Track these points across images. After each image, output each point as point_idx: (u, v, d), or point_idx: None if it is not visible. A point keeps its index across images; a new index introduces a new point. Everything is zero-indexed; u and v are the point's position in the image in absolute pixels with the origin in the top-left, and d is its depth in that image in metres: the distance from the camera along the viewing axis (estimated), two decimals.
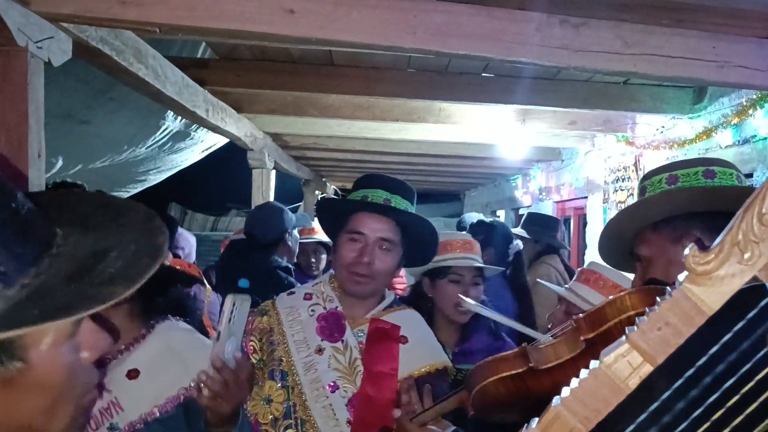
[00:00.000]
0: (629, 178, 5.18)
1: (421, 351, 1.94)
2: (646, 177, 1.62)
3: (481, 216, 4.78)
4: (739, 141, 3.84)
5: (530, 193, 8.16)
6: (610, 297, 1.33)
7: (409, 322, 1.98)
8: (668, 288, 0.73)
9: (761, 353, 0.75)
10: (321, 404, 1.79)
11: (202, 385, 1.40)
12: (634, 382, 0.72)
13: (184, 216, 14.10)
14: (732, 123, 3.82)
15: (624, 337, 0.73)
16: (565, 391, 0.74)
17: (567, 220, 7.38)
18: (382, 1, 2.30)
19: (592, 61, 2.47)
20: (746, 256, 0.69)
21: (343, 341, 1.86)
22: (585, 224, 6.38)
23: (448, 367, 1.96)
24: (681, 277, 0.72)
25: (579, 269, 2.64)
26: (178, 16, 2.24)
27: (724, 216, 1.47)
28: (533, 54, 2.41)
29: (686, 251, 0.71)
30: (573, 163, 6.59)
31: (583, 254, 6.36)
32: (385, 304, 1.97)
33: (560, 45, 2.41)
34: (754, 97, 3.56)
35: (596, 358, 1.31)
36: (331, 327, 1.88)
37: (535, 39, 2.38)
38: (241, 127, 5.08)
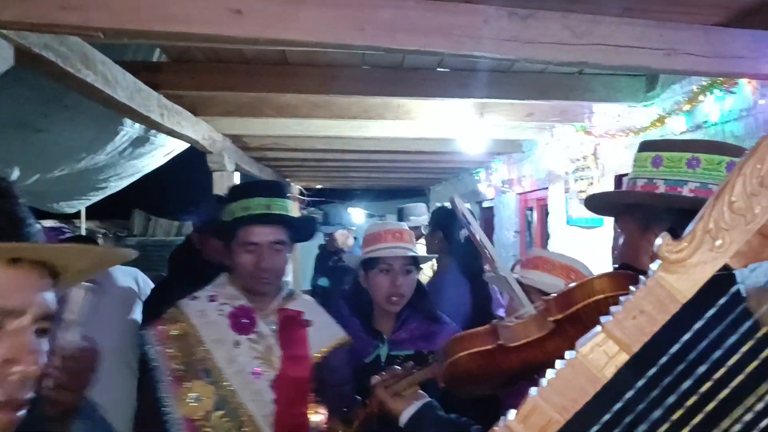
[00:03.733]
0: (589, 167, 5.24)
1: (325, 331, 2.20)
2: (639, 149, 1.62)
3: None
4: (692, 127, 3.90)
5: (493, 186, 8.21)
6: (581, 281, 1.36)
7: (309, 307, 2.22)
8: (641, 276, 0.74)
9: (731, 339, 0.76)
10: (249, 390, 1.99)
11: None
12: (610, 371, 0.73)
13: (148, 222, 13.88)
14: (684, 110, 3.88)
15: (599, 327, 0.73)
16: (543, 382, 0.74)
17: (530, 211, 7.44)
18: None
19: (542, 52, 2.48)
20: (718, 243, 0.70)
21: (256, 332, 2.08)
22: (547, 214, 6.44)
23: (346, 340, 2.22)
24: (654, 265, 0.72)
25: (523, 258, 2.66)
26: (122, 20, 2.18)
27: (690, 213, 1.48)
28: (483, 47, 2.41)
29: (658, 240, 0.72)
30: (533, 154, 6.64)
31: (546, 244, 6.42)
32: (284, 294, 2.22)
33: (509, 37, 2.42)
34: (704, 83, 3.62)
35: (564, 338, 1.33)
36: (243, 321, 2.08)
37: (484, 32, 2.38)
38: (199, 130, 5.01)
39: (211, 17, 2.20)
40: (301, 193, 12.05)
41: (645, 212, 1.51)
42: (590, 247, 5.15)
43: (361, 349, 2.37)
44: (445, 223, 4.16)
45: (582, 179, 5.30)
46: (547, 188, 6.34)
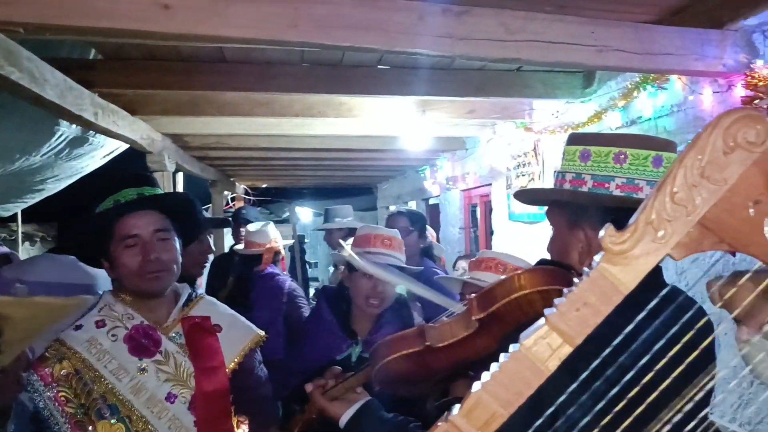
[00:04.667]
0: (529, 163, 5.30)
1: (236, 333, 2.01)
2: (568, 141, 1.63)
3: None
4: (627, 122, 3.99)
5: (438, 183, 8.25)
6: (501, 278, 1.37)
7: (214, 310, 2.02)
8: (585, 268, 0.73)
9: (672, 330, 0.77)
10: (165, 419, 1.77)
11: None
12: (554, 364, 0.72)
13: None
14: (619, 105, 3.96)
15: (543, 319, 0.73)
16: (486, 375, 0.73)
17: (474, 208, 7.51)
18: None
19: (476, 48, 2.50)
20: (660, 234, 0.70)
21: (161, 351, 1.84)
22: (491, 210, 6.50)
23: (261, 337, 2.06)
24: (598, 257, 0.72)
25: (474, 259, 2.69)
26: (45, 15, 2.11)
27: (616, 210, 1.48)
28: (418, 43, 2.41)
29: (602, 232, 0.71)
30: (476, 151, 6.70)
31: (490, 240, 6.49)
32: (184, 300, 1.98)
33: (444, 34, 2.43)
34: (638, 79, 3.70)
35: (491, 335, 1.34)
36: (143, 343, 1.83)
37: (418, 28, 2.39)
38: (136, 129, 4.90)
39: (138, 12, 2.14)
40: (247, 193, 11.91)
41: (573, 208, 1.52)
42: (533, 242, 5.22)
43: (334, 346, 2.37)
44: (422, 224, 4.20)
45: (523, 175, 5.37)
46: (490, 185, 6.40)
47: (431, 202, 9.51)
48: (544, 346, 0.73)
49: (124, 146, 5.54)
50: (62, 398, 1.73)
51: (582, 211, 1.51)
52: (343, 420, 1.67)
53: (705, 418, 0.83)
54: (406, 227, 3.54)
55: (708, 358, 0.81)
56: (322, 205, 15.64)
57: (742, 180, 0.70)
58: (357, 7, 2.37)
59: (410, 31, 2.38)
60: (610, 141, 1.54)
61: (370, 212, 13.94)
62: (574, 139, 1.61)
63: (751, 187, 0.70)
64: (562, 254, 1.54)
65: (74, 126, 4.42)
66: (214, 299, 2.13)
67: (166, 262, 1.86)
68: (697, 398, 0.79)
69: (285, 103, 4.76)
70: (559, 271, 1.30)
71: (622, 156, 1.49)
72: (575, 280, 0.75)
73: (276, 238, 4.81)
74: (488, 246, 6.59)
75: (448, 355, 1.39)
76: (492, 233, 6.41)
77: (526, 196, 1.79)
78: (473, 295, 1.40)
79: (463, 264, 5.72)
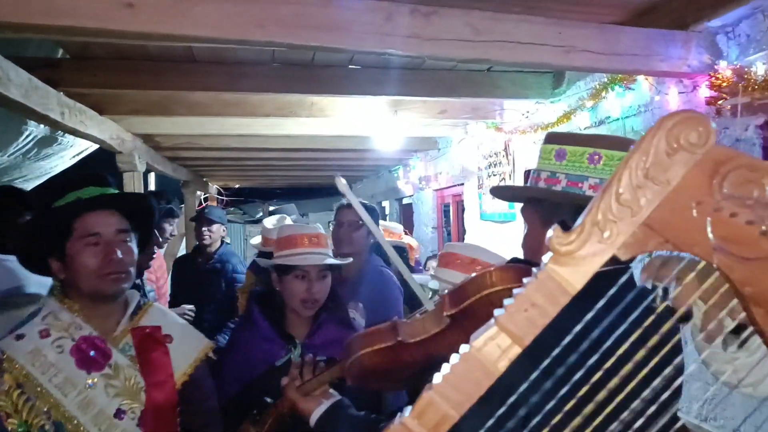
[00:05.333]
0: (500, 163, 5.34)
1: (188, 343, 1.93)
2: (545, 140, 1.63)
3: None
4: (595, 122, 4.03)
5: (411, 183, 8.27)
6: (473, 274, 1.38)
7: (164, 319, 1.92)
8: (534, 269, 0.74)
9: (621, 329, 0.77)
10: None
11: None
12: (503, 365, 0.72)
13: None
14: (588, 106, 4.00)
15: (493, 320, 0.73)
16: (437, 378, 0.73)
17: (446, 208, 7.54)
18: None
19: (444, 49, 2.51)
20: (606, 235, 0.70)
21: (111, 365, 1.73)
22: (463, 210, 6.53)
23: (211, 347, 1.99)
24: (545, 258, 0.72)
25: (438, 254, 2.70)
26: (4, 12, 2.07)
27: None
28: (385, 44, 2.41)
29: (549, 232, 0.72)
30: (448, 151, 6.72)
31: (463, 239, 6.52)
32: (133, 308, 1.88)
33: (412, 34, 2.43)
34: (606, 80, 3.74)
35: (462, 332, 1.34)
36: (92, 356, 1.71)
37: (385, 29, 2.39)
38: (105, 129, 4.84)
39: (100, 11, 2.12)
40: (219, 193, 11.83)
41: (547, 206, 1.53)
42: (504, 241, 5.25)
43: (271, 352, 2.30)
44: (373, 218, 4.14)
45: (494, 175, 5.40)
46: (462, 184, 6.43)
47: (404, 201, 9.53)
48: (493, 347, 0.73)
49: (94, 146, 5.47)
50: (2, 413, 1.61)
51: (556, 209, 1.52)
52: (314, 417, 1.67)
53: (675, 416, 0.84)
54: (355, 220, 3.37)
55: (675, 351, 0.82)
56: (297, 205, 15.60)
57: (685, 181, 0.71)
58: (324, 8, 2.36)
59: (378, 31, 2.38)
60: (585, 141, 1.56)
61: None
62: (551, 138, 1.62)
63: (693, 188, 0.71)
64: (534, 252, 1.56)
65: (42, 126, 4.36)
66: (163, 307, 2.06)
67: (126, 264, 1.78)
68: (665, 393, 0.79)
69: (256, 103, 4.74)
70: (530, 270, 1.32)
71: (597, 156, 1.52)
72: (524, 280, 0.75)
73: None
74: None
75: (420, 351, 1.40)
76: (464, 232, 6.44)
77: (502, 192, 1.80)
78: (446, 291, 1.42)
79: (433, 263, 5.74)
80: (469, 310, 1.31)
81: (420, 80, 4.19)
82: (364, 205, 3.94)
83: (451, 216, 7.30)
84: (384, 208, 11.26)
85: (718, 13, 2.76)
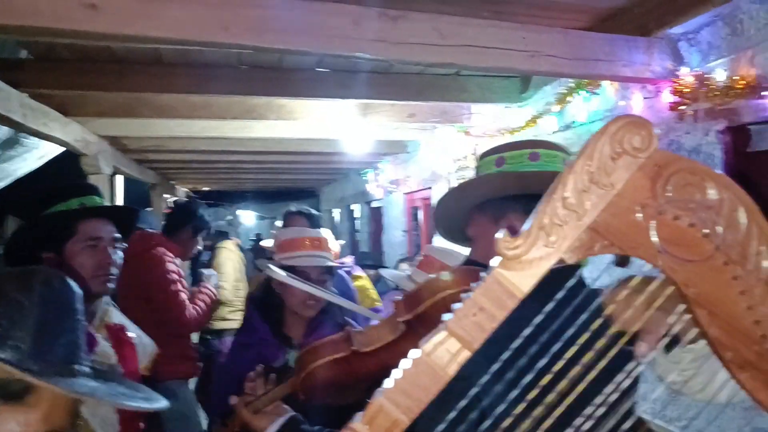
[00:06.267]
0: (469, 166, 5.37)
1: (144, 344, 2.12)
2: (481, 157, 1.65)
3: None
4: (562, 127, 4.07)
5: (381, 186, 8.28)
6: (427, 280, 1.37)
7: (124, 320, 2.10)
8: (482, 273, 0.74)
9: (569, 332, 0.78)
10: (98, 417, 1.79)
11: None
12: (453, 369, 0.73)
13: None
14: (554, 110, 4.05)
15: (442, 325, 0.73)
16: (388, 383, 0.74)
17: (416, 211, 7.56)
18: None
19: (411, 53, 2.52)
20: (552, 238, 0.71)
21: (96, 351, 1.87)
22: (433, 213, 6.55)
23: (157, 351, 2.20)
24: (493, 262, 0.73)
25: (407, 257, 2.70)
26: None
27: (538, 197, 1.53)
28: (353, 47, 2.42)
29: (497, 236, 0.72)
30: (417, 154, 6.75)
31: (432, 241, 6.54)
32: (103, 306, 2.06)
33: (379, 38, 2.43)
34: (572, 85, 3.79)
35: (418, 338, 1.33)
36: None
37: (353, 32, 2.39)
38: (70, 131, 4.77)
39: (63, 11, 2.08)
40: (187, 196, 11.72)
41: (495, 204, 1.53)
42: None
43: (270, 354, 2.30)
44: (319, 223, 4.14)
45: (463, 179, 5.43)
46: (431, 188, 6.45)
47: (374, 205, 9.53)
48: (443, 351, 0.74)
49: (60, 149, 5.39)
50: None
51: (504, 205, 1.51)
52: None
53: (631, 412, 0.84)
54: (303, 227, 3.48)
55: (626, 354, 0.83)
56: (266, 208, 15.52)
57: (629, 185, 0.72)
58: (290, 10, 2.36)
59: (345, 34, 2.38)
60: (521, 145, 1.58)
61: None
62: (487, 153, 1.63)
63: (637, 192, 0.72)
64: (486, 254, 1.54)
65: (5, 128, 4.28)
66: (114, 305, 2.21)
67: (117, 269, 2.01)
68: (613, 396, 0.80)
69: (224, 105, 4.71)
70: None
71: (536, 155, 1.53)
72: (472, 284, 0.76)
73: None
74: None
75: (375, 360, 1.36)
76: (434, 236, 6.46)
77: (443, 210, 1.70)
78: (398, 297, 1.39)
79: (405, 266, 5.75)
80: (424, 316, 1.28)
81: (388, 84, 4.19)
82: (309, 212, 3.93)
83: (421, 219, 7.32)
84: (353, 211, 11.25)
85: (680, 20, 2.81)
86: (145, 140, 6.25)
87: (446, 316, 0.75)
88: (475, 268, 1.34)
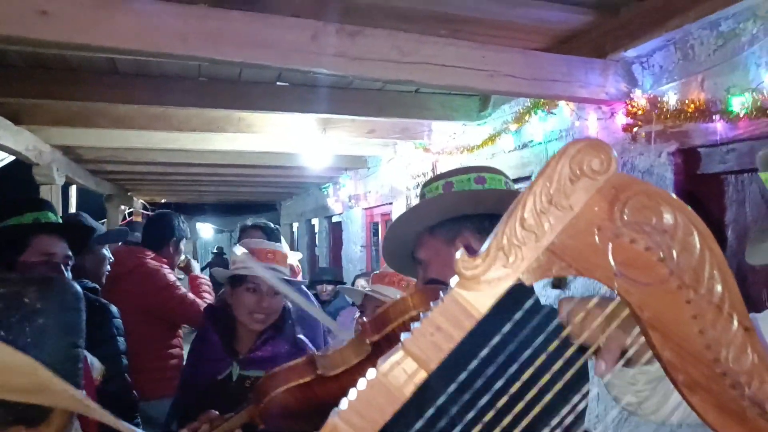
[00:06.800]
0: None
1: (91, 358, 2.15)
2: (426, 184, 1.67)
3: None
4: (519, 146, 4.12)
5: (341, 201, 8.26)
6: (393, 300, 1.34)
7: None
8: (441, 293, 0.73)
9: (526, 354, 0.77)
10: None
11: None
12: (409, 390, 0.71)
13: None
14: (512, 129, 4.09)
15: (399, 344, 0.72)
16: (343, 403, 0.72)
17: (376, 226, 7.55)
18: (149, 5, 2.18)
19: (369, 69, 2.52)
20: (510, 259, 0.71)
21: None
22: None
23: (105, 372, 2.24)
24: (452, 281, 0.72)
25: (377, 272, 2.69)
26: None
27: (490, 217, 1.54)
28: (311, 62, 2.40)
29: (456, 255, 0.71)
30: (378, 170, 6.75)
31: None
32: None
33: (337, 53, 2.43)
34: (529, 104, 3.84)
35: None
36: None
37: (311, 47, 2.38)
38: (21, 140, 4.66)
39: (13, 17, 2.03)
40: (145, 208, 11.53)
41: (448, 225, 1.54)
42: None
43: (216, 366, 2.28)
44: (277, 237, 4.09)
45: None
46: (391, 203, 6.46)
47: (334, 219, 9.50)
48: (399, 371, 0.72)
49: (10, 157, 5.26)
50: None
51: (460, 223, 1.54)
52: None
53: None
54: (260, 240, 3.47)
55: (582, 375, 0.83)
56: (225, 221, 15.36)
57: (588, 207, 0.72)
58: (249, 24, 2.34)
59: (304, 49, 2.37)
60: (466, 170, 1.62)
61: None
62: (431, 180, 1.66)
63: (595, 214, 0.72)
64: (442, 274, 1.55)
65: None
66: None
67: None
68: (569, 417, 0.80)
69: (182, 117, 4.65)
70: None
71: (481, 179, 1.59)
72: (431, 304, 0.75)
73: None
74: None
75: (338, 384, 1.29)
76: None
77: (398, 229, 1.69)
78: (363, 319, 1.35)
79: (362, 282, 5.72)
80: (391, 337, 1.26)
81: (349, 99, 4.19)
82: (266, 225, 3.89)
83: (380, 234, 7.32)
84: (313, 225, 11.20)
85: (634, 43, 2.87)
86: (101, 151, 6.14)
87: (404, 335, 0.74)
88: (441, 286, 1.33)
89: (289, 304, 2.51)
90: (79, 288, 1.18)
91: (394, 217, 6.33)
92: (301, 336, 2.50)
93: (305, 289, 3.85)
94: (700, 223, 0.72)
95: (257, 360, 2.29)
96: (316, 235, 11.13)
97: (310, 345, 2.51)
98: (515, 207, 0.72)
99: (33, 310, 1.05)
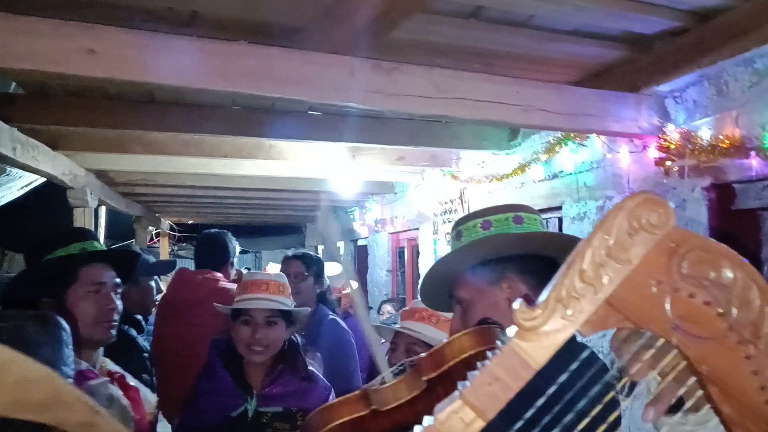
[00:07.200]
0: (455, 210, 5.40)
1: (145, 390, 2.09)
2: (461, 222, 1.67)
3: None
4: (549, 176, 4.13)
5: (367, 225, 8.29)
6: (450, 338, 1.36)
7: (121, 368, 2.09)
8: (498, 341, 0.74)
9: (582, 403, 0.78)
10: None
11: None
12: None
13: (3, 257, 12.91)
14: (542, 159, 4.10)
15: (457, 393, 0.73)
16: None
17: (401, 251, 7.57)
18: (192, 43, 2.24)
19: (406, 104, 2.56)
20: (569, 312, 0.72)
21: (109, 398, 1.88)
22: (418, 254, 6.57)
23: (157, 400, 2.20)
24: (510, 331, 0.74)
25: (406, 309, 2.66)
26: None
27: (533, 258, 1.55)
28: (348, 97, 2.45)
29: (515, 306, 0.73)
30: (405, 195, 6.78)
31: (417, 283, 6.54)
32: (101, 353, 2.05)
33: (374, 89, 2.47)
34: (560, 136, 3.85)
35: (434, 398, 1.31)
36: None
37: (349, 83, 2.42)
38: (58, 165, 4.75)
39: (61, 56, 2.09)
40: (172, 229, 11.65)
41: (491, 266, 1.55)
42: None
43: (229, 402, 2.25)
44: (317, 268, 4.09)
45: (449, 221, 5.46)
46: (417, 229, 6.48)
47: (360, 243, 9.53)
48: (457, 420, 0.73)
49: (41, 179, 5.36)
50: None
51: (501, 269, 1.54)
52: None
53: None
54: (300, 272, 3.48)
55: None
56: (250, 243, 15.44)
57: (646, 261, 0.73)
58: (287, 60, 2.38)
59: (341, 86, 2.42)
60: (504, 209, 1.63)
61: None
62: (468, 217, 1.67)
63: (654, 268, 0.74)
64: (492, 314, 1.54)
65: None
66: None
67: (118, 314, 1.99)
68: None
69: (214, 143, 4.72)
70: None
71: (518, 218, 1.59)
72: (488, 353, 0.76)
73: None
74: (414, 288, 6.65)
75: (393, 420, 1.32)
76: (419, 276, 6.47)
77: (453, 259, 1.69)
78: (422, 354, 1.36)
79: (388, 308, 5.72)
80: (446, 375, 1.27)
81: (378, 128, 4.23)
82: (306, 255, 3.90)
83: (406, 259, 7.32)
84: (339, 248, 11.23)
85: (668, 78, 2.89)
86: (132, 174, 6.24)
87: (461, 384, 0.75)
88: (495, 326, 1.34)
89: (298, 337, 2.51)
90: (65, 323, 1.23)
91: (421, 243, 6.35)
92: (312, 368, 2.49)
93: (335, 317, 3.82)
94: (759, 278, 0.73)
95: (273, 395, 2.29)
96: (341, 258, 11.14)
97: (322, 378, 2.50)
98: (574, 259, 0.74)
99: (35, 343, 1.10)
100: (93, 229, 5.91)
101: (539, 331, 0.73)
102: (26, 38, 2.07)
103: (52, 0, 2.31)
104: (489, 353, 0.77)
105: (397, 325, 2.69)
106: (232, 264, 3.94)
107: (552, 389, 0.78)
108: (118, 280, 2.03)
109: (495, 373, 0.73)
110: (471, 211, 4.99)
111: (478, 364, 0.76)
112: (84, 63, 2.10)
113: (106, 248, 2.17)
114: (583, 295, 0.73)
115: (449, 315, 2.48)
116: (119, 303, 2.02)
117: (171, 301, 3.47)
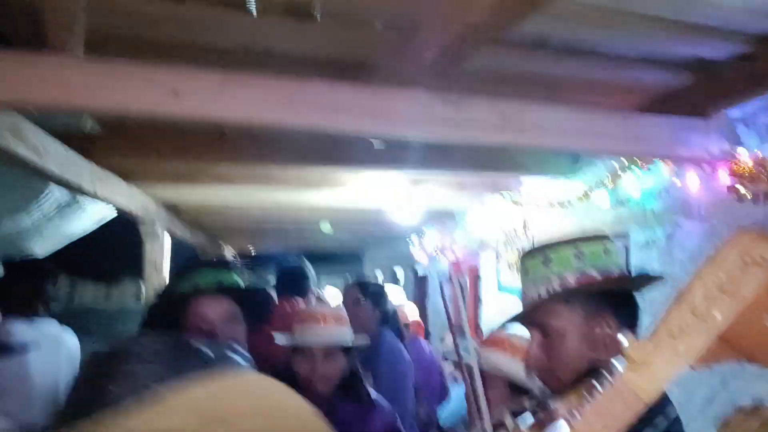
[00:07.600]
0: (518, 237, 5.37)
1: None
2: (529, 256, 1.68)
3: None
4: (615, 203, 4.07)
5: (425, 252, 8.29)
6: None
7: None
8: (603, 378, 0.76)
9: None
10: None
11: None
12: None
13: (73, 287, 13.32)
14: (607, 186, 4.05)
15: (566, 423, 0.75)
16: None
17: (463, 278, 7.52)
18: (267, 80, 2.32)
19: (473, 135, 2.59)
20: (680, 346, 0.74)
21: None
22: (479, 281, 6.53)
23: None
24: (618, 364, 0.75)
25: (486, 338, 2.59)
26: (52, 96, 2.16)
27: (622, 295, 1.52)
28: (417, 130, 2.50)
29: (623, 339, 0.75)
30: (465, 222, 6.77)
31: (478, 311, 6.50)
32: None
33: (443, 121, 2.51)
34: (624, 161, 3.80)
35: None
36: None
37: (419, 116, 2.47)
38: (132, 198, 4.93)
39: (148, 98, 2.19)
40: (235, 257, 11.84)
41: (589, 301, 1.53)
42: None
43: None
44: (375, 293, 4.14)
45: (511, 248, 5.43)
46: (478, 255, 6.45)
47: (418, 270, 9.52)
48: None
49: (113, 213, 5.55)
50: None
51: (597, 305, 1.52)
52: None
53: None
54: (357, 298, 3.67)
55: None
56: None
57: (759, 294, 0.74)
58: (357, 94, 2.45)
59: (411, 119, 2.47)
60: (592, 239, 1.62)
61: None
62: (534, 251, 1.67)
63: (766, 301, 0.74)
64: (578, 347, 1.51)
65: (64, 190, 4.43)
66: None
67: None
68: None
69: (281, 176, 4.82)
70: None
71: (605, 251, 1.58)
72: (596, 384, 0.78)
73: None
74: (475, 315, 6.61)
75: None
76: (480, 304, 6.43)
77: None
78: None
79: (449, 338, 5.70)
80: None
81: (441, 156, 4.25)
82: (362, 282, 3.95)
83: (467, 287, 7.28)
84: (396, 274, 11.24)
85: (735, 102, 2.85)
86: (199, 205, 6.40)
87: (571, 415, 0.77)
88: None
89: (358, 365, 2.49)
90: None
91: (483, 270, 6.32)
92: (372, 393, 2.48)
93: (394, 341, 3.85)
94: None
95: (335, 424, 2.29)
96: (399, 284, 11.16)
97: (384, 403, 2.49)
98: (684, 294, 0.75)
99: None
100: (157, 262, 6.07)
101: (650, 364, 0.74)
102: (114, 81, 2.19)
103: (136, 42, 2.44)
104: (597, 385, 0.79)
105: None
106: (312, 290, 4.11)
107: (662, 422, 0.79)
108: (232, 311, 2.01)
109: (608, 407, 0.75)
110: (534, 238, 4.98)
111: (585, 393, 0.77)
112: (168, 103, 2.20)
113: (224, 283, 2.11)
114: (694, 330, 0.74)
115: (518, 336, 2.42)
116: (241, 333, 2.01)
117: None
